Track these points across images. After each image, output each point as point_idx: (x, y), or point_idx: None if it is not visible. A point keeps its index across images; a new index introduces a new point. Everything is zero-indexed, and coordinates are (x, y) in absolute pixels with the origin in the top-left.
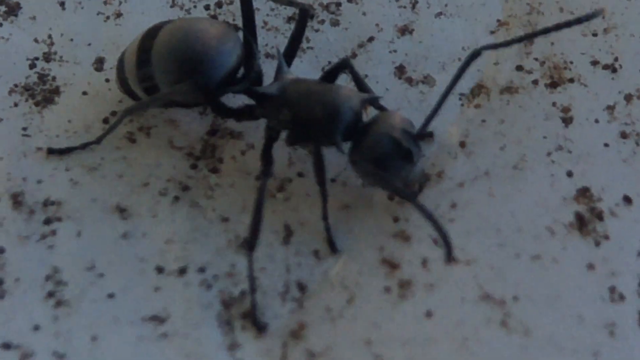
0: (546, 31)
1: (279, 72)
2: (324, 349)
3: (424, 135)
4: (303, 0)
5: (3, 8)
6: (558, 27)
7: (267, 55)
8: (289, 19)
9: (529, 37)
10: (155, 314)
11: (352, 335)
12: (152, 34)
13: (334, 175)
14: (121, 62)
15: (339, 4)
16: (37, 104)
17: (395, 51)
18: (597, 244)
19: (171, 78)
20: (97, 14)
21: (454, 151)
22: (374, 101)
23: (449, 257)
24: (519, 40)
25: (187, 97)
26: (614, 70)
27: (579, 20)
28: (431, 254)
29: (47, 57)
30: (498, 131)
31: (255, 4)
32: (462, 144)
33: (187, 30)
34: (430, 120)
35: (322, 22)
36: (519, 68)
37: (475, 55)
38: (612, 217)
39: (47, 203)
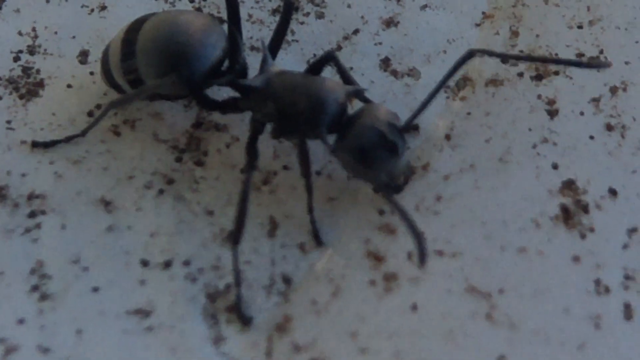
0: (546, 61)
1: (263, 64)
2: (309, 342)
3: (410, 127)
4: None
5: None
6: (561, 62)
7: (252, 48)
8: (274, 12)
9: (528, 59)
10: (140, 307)
11: (337, 328)
12: (136, 26)
13: (319, 168)
14: (106, 54)
15: None
16: (21, 97)
17: (380, 44)
18: (583, 236)
19: (155, 71)
20: (82, 7)
21: (439, 144)
22: (359, 93)
23: (422, 261)
24: (516, 57)
25: (171, 90)
26: None
27: (585, 65)
28: None
29: (32, 50)
30: (483, 124)
31: None
32: (448, 137)
33: (171, 22)
34: (417, 115)
35: (307, 14)
36: (504, 61)
37: (470, 55)
38: (597, 210)
39: (31, 196)
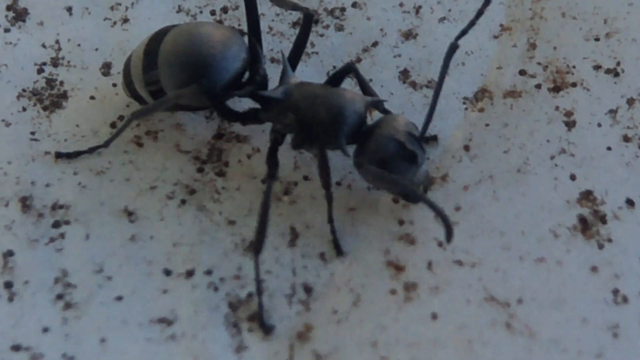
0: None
1: (283, 76)
2: (330, 350)
3: (429, 138)
4: (307, 5)
5: (11, 14)
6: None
7: (272, 60)
8: (294, 24)
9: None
10: (163, 316)
11: (358, 337)
12: (158, 37)
13: (339, 178)
14: (127, 65)
15: (343, 9)
16: (45, 109)
17: (399, 56)
18: (601, 246)
19: (177, 81)
20: (104, 20)
21: (458, 155)
22: (378, 104)
23: (449, 238)
24: (478, 14)
25: (193, 101)
26: (617, 75)
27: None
28: (436, 257)
29: (55, 62)
30: (502, 135)
31: (260, 9)
32: (466, 148)
33: (193, 34)
34: (429, 121)
35: (327, 27)
36: (522, 72)
37: (453, 49)
38: (615, 220)
39: (55, 206)
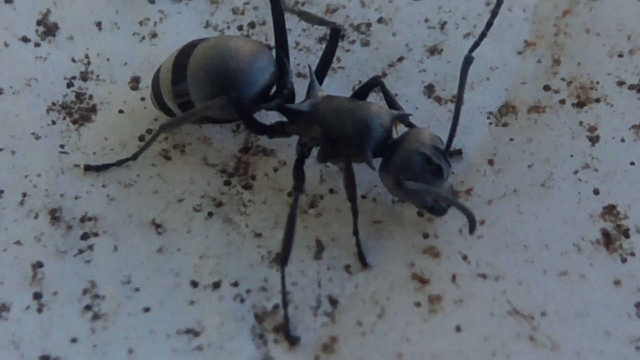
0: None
1: (310, 89)
2: None
3: (453, 152)
4: (334, 20)
5: (41, 28)
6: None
7: (299, 75)
8: (321, 40)
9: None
10: (190, 327)
11: (383, 349)
12: (187, 50)
13: (364, 191)
14: (156, 78)
15: (369, 25)
16: (74, 122)
17: (424, 71)
18: (624, 260)
19: (205, 94)
20: (133, 34)
21: (482, 169)
22: (404, 118)
23: (472, 229)
24: (488, 24)
25: (220, 113)
26: None
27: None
28: (460, 270)
29: (84, 76)
30: (526, 149)
31: (287, 25)
32: (491, 162)
33: (221, 47)
34: (453, 135)
35: (353, 42)
36: (546, 88)
37: (468, 61)
38: (638, 235)
39: (84, 219)
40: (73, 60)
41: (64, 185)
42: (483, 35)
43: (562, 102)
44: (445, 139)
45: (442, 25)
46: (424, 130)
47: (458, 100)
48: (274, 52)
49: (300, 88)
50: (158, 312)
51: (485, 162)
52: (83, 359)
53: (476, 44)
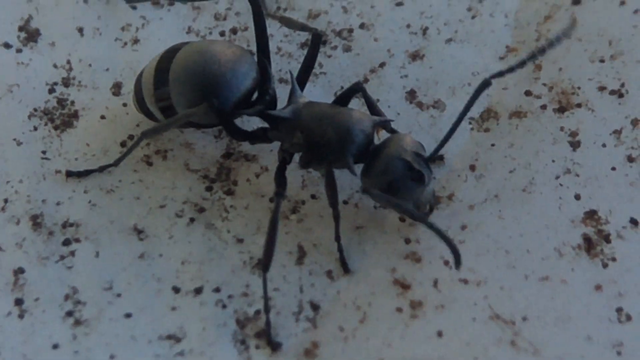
0: (540, 53)
1: (292, 95)
2: None
3: (435, 158)
4: (316, 26)
5: (23, 34)
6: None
7: (281, 81)
8: (302, 45)
9: (529, 58)
10: (172, 333)
11: (364, 354)
12: (170, 54)
13: (346, 197)
14: (139, 81)
15: (351, 30)
16: (56, 128)
17: (406, 76)
18: (605, 265)
19: (187, 99)
20: (115, 40)
21: (464, 174)
22: (385, 124)
23: (458, 264)
24: (521, 64)
25: (202, 119)
26: (621, 96)
27: (557, 40)
28: (442, 275)
29: (66, 82)
30: (507, 155)
31: (269, 30)
32: (472, 167)
33: (204, 52)
34: (442, 146)
35: (335, 48)
36: (528, 93)
37: (485, 84)
38: (619, 240)
39: (65, 224)
40: (55, 66)
41: (45, 191)
42: (512, 69)
43: (544, 107)
44: (427, 145)
45: (424, 30)
46: (405, 137)
47: (461, 115)
48: (256, 58)
49: (282, 94)
50: (140, 318)
51: (467, 167)
52: None
53: (500, 73)
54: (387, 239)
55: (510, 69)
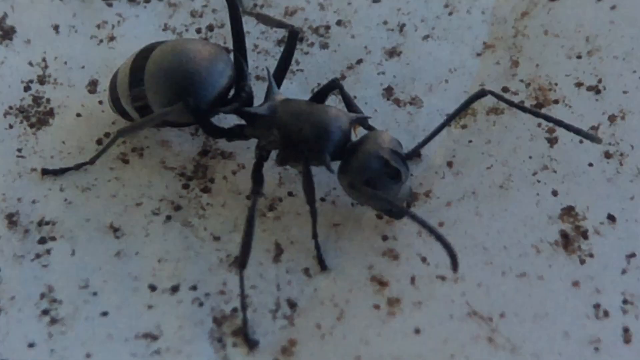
0: (549, 120)
1: (269, 92)
2: None
3: (412, 155)
4: (292, 23)
5: None
6: (562, 124)
7: (258, 78)
8: (279, 42)
9: (532, 112)
10: (148, 331)
11: (342, 351)
12: (145, 54)
13: (323, 194)
14: (114, 81)
15: (328, 27)
16: (31, 126)
17: (383, 73)
18: (582, 262)
19: (163, 98)
20: (91, 38)
21: (441, 171)
22: (362, 121)
23: (454, 265)
24: (522, 108)
25: (178, 117)
26: (598, 92)
27: (581, 134)
28: (419, 272)
29: (42, 80)
30: (485, 151)
31: (245, 27)
32: (450, 164)
33: (179, 50)
34: (422, 146)
35: (312, 44)
36: (505, 89)
37: (482, 93)
38: (596, 236)
39: (41, 223)
40: (30, 63)
41: (21, 189)
42: (511, 103)
43: (521, 103)
44: (404, 141)
45: (401, 27)
46: (382, 134)
47: (450, 117)
48: (232, 55)
49: (258, 91)
50: (116, 316)
51: (444, 164)
52: None
53: (499, 96)
54: (364, 236)
55: (510, 102)
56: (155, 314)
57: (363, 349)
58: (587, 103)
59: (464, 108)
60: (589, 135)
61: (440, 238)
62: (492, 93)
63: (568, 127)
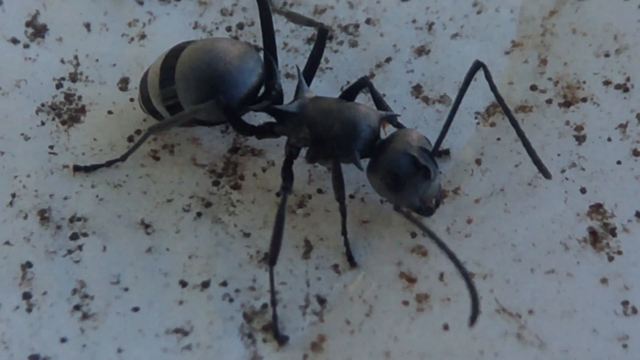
0: (517, 131)
1: (298, 90)
2: None
3: (441, 152)
4: (322, 21)
5: (30, 30)
6: (525, 143)
7: (287, 76)
8: (309, 40)
9: (507, 114)
10: (179, 327)
11: (370, 347)
12: (175, 53)
13: (352, 191)
14: (144, 81)
15: (357, 26)
16: (63, 123)
17: (412, 71)
18: (610, 259)
19: (194, 96)
20: (122, 36)
21: (470, 168)
22: (392, 119)
23: (473, 320)
24: (503, 105)
25: (209, 116)
26: (626, 90)
27: (536, 162)
28: (448, 269)
29: (73, 77)
30: (513, 149)
31: (275, 26)
32: (478, 162)
33: (209, 49)
34: (443, 136)
35: (341, 43)
36: (533, 88)
37: (477, 66)
38: (624, 233)
39: (73, 219)
40: (62, 61)
41: (53, 185)
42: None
43: (549, 101)
44: (433, 139)
45: (430, 26)
46: (411, 131)
47: (455, 103)
48: (262, 54)
49: (288, 89)
50: (147, 312)
51: (473, 161)
52: (72, 359)
53: (493, 88)
54: (393, 232)
55: (493, 87)
56: (186, 310)
57: (392, 345)
58: (615, 101)
59: (466, 87)
60: (542, 168)
61: (463, 271)
62: (484, 67)
63: (529, 150)
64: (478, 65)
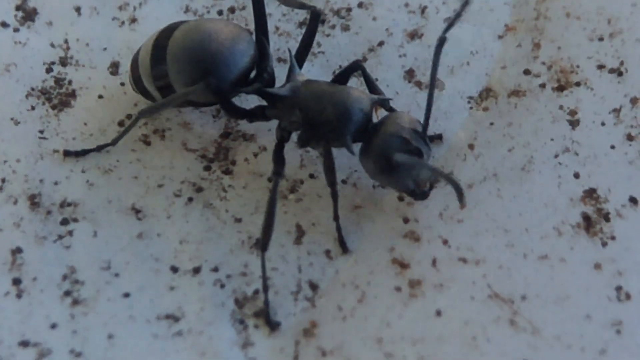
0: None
1: (290, 73)
2: (335, 347)
3: (434, 137)
4: (314, 5)
5: (20, 13)
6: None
7: (279, 60)
8: (301, 24)
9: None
10: (170, 313)
11: (363, 333)
12: (167, 33)
13: (344, 176)
14: (135, 60)
15: (349, 9)
16: (53, 107)
17: (404, 55)
18: (604, 244)
19: (185, 77)
20: (113, 19)
21: (462, 153)
22: (384, 103)
23: (461, 201)
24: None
25: (200, 97)
26: (620, 74)
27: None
28: (440, 254)
29: (64, 62)
30: (506, 134)
31: (267, 9)
32: (471, 147)
33: (201, 30)
34: (428, 117)
35: (333, 27)
36: (527, 72)
37: (442, 42)
38: (618, 218)
39: (63, 204)
40: (52, 45)
41: (43, 170)
42: (458, 14)
43: (543, 86)
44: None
45: (423, 9)
46: (403, 114)
47: (431, 80)
48: (254, 36)
49: (280, 73)
50: (138, 298)
51: (466, 146)
52: (63, 345)
53: (450, 25)
54: (385, 218)
55: (457, 15)
56: (177, 296)
57: (384, 331)
58: (609, 85)
59: (437, 62)
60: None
61: (449, 178)
62: (446, 30)
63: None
64: (443, 40)
